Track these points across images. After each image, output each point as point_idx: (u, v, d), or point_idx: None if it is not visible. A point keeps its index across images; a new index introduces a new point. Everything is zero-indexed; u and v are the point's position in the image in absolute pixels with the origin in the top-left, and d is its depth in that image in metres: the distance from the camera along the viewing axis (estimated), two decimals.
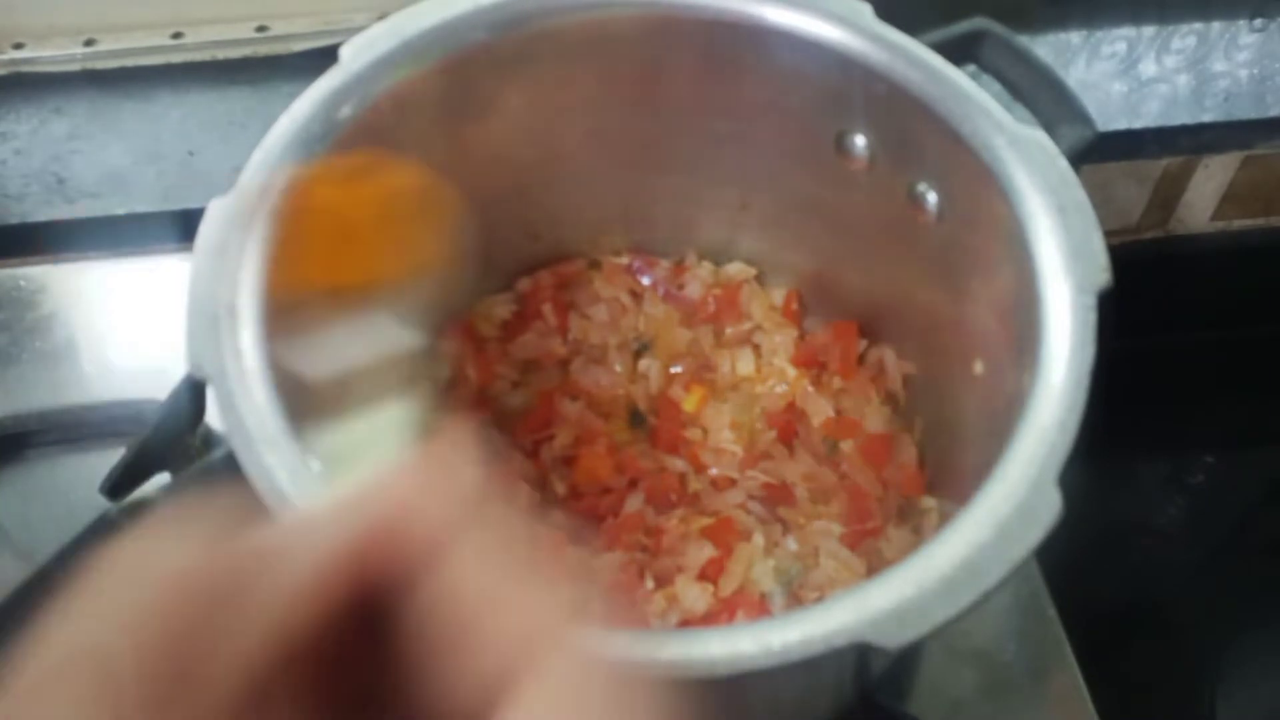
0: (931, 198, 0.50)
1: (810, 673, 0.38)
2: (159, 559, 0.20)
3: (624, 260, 0.64)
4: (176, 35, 0.74)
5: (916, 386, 0.59)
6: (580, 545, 0.55)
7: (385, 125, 0.48)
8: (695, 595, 0.53)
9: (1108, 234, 0.43)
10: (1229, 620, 0.82)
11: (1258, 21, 0.79)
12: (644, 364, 0.61)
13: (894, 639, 0.35)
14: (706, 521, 0.56)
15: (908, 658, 0.59)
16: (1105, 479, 0.85)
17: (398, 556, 0.20)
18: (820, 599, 0.47)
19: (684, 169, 0.59)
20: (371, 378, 0.34)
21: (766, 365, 0.62)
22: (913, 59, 0.47)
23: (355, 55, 0.47)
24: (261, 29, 0.74)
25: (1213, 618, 0.83)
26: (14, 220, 0.72)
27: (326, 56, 0.46)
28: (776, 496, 0.57)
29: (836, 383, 0.60)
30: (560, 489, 0.57)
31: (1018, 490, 0.38)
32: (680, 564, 0.54)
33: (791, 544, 0.56)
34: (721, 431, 0.59)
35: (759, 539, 0.55)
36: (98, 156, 0.74)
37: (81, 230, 0.72)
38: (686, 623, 0.52)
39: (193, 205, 0.69)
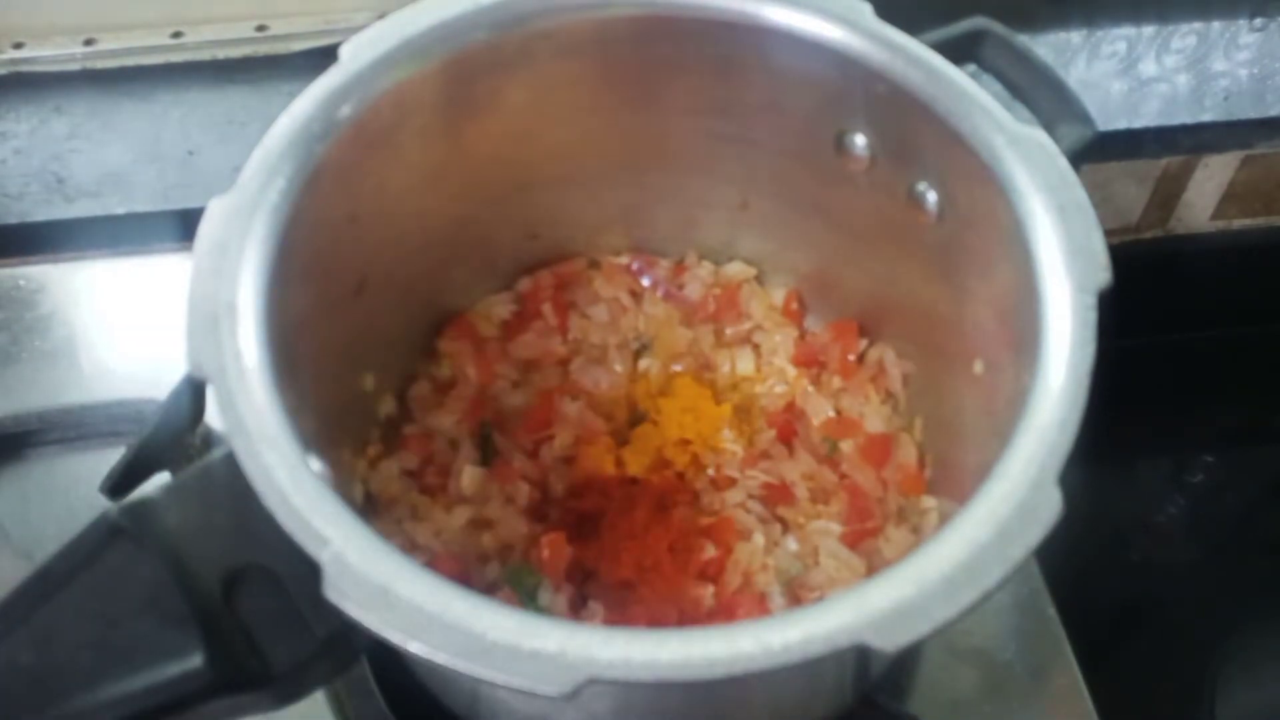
0: (931, 197, 0.50)
1: (810, 672, 0.38)
2: None
3: (624, 260, 0.64)
4: (176, 35, 0.74)
5: (916, 386, 0.59)
6: (580, 545, 0.55)
7: (385, 125, 0.48)
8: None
9: (1108, 233, 0.43)
10: (1229, 620, 0.82)
11: (1258, 21, 0.79)
12: (644, 364, 0.61)
13: (894, 639, 0.35)
14: (707, 521, 0.56)
15: (908, 658, 0.59)
16: (1105, 479, 0.85)
17: None
18: (820, 599, 0.47)
19: (684, 169, 0.59)
20: None
21: (766, 365, 0.62)
22: (913, 58, 0.47)
23: (355, 54, 0.47)
24: (261, 28, 0.74)
25: (1212, 617, 0.83)
26: (13, 220, 0.72)
27: (326, 56, 0.46)
28: (776, 496, 0.57)
29: (836, 382, 0.60)
30: (560, 489, 0.57)
31: (1018, 490, 0.38)
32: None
33: (791, 544, 0.56)
34: (721, 431, 0.60)
35: (759, 539, 0.55)
36: (97, 156, 0.74)
37: (81, 230, 0.72)
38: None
39: (193, 205, 0.69)
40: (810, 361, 0.61)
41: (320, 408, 0.45)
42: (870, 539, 0.55)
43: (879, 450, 0.58)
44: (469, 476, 0.56)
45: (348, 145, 0.46)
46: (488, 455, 0.58)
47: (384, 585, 0.35)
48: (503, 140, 0.54)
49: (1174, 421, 0.93)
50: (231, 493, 0.37)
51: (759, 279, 0.64)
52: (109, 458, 0.42)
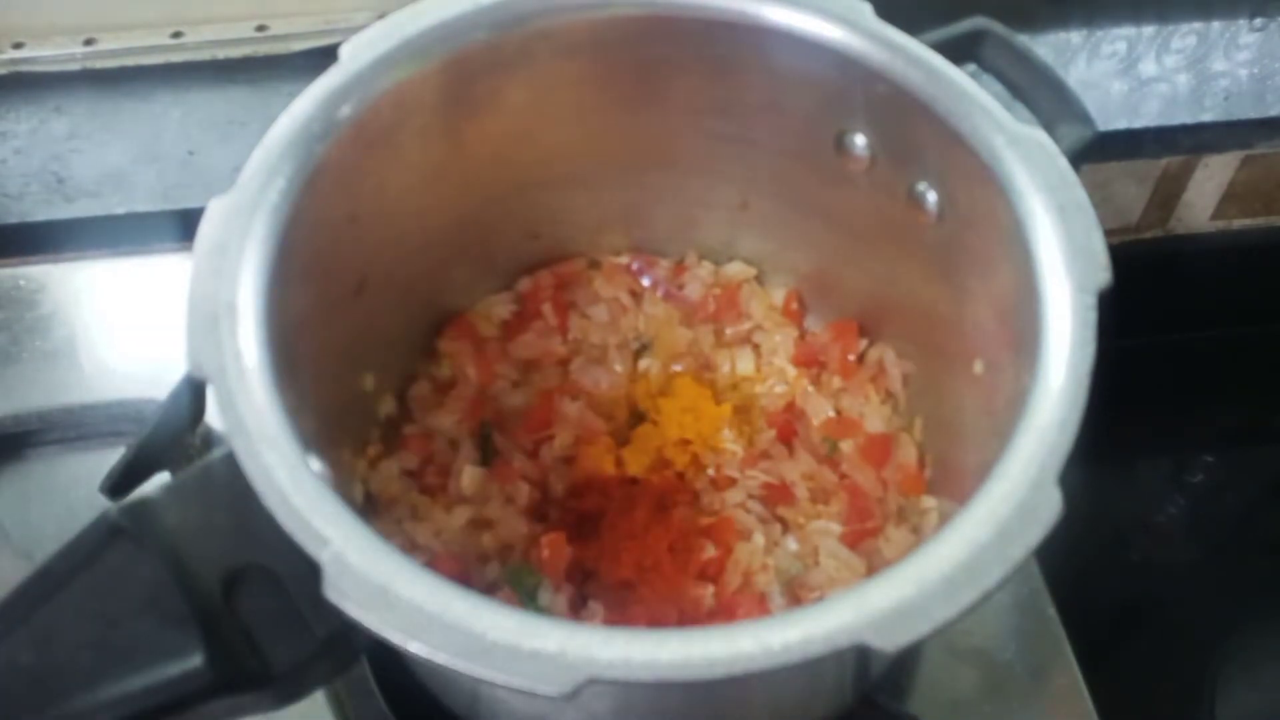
0: (931, 198, 0.50)
1: (810, 672, 0.38)
2: None
3: (624, 260, 0.64)
4: (176, 35, 0.74)
5: (916, 386, 0.59)
6: (580, 545, 0.55)
7: (385, 125, 0.48)
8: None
9: (1108, 233, 0.43)
10: (1228, 619, 0.82)
11: (1258, 21, 0.79)
12: (644, 364, 0.61)
13: (894, 639, 0.35)
14: (707, 521, 0.56)
15: (908, 658, 0.59)
16: (1105, 479, 0.85)
17: None
18: (820, 599, 0.47)
19: (684, 169, 0.59)
20: None
21: (766, 365, 0.62)
22: (913, 58, 0.47)
23: (355, 54, 0.47)
24: (261, 28, 0.74)
25: (1212, 617, 0.83)
26: (14, 220, 0.72)
27: (326, 56, 0.46)
28: (776, 496, 0.57)
29: (836, 382, 0.60)
30: (560, 489, 0.57)
31: (1018, 490, 0.38)
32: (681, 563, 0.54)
33: (791, 544, 0.56)
34: (721, 431, 0.60)
35: (759, 539, 0.55)
36: (97, 156, 0.74)
37: (81, 230, 0.72)
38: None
39: (193, 205, 0.69)
40: (810, 361, 0.61)
41: (320, 408, 0.45)
42: (870, 539, 0.55)
43: (879, 450, 0.58)
44: (469, 476, 0.56)
45: (348, 145, 0.46)
46: (488, 455, 0.58)
47: (384, 585, 0.35)
48: (503, 140, 0.54)
49: (1174, 421, 0.93)
50: (231, 493, 0.37)
51: (759, 279, 0.64)
52: (109, 458, 0.42)
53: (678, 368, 0.61)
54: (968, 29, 0.51)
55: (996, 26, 0.51)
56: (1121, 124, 0.77)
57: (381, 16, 0.49)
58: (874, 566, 0.54)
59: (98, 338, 0.70)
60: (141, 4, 0.73)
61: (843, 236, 0.58)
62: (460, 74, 0.49)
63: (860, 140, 0.52)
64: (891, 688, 0.58)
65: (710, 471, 0.58)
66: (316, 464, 0.38)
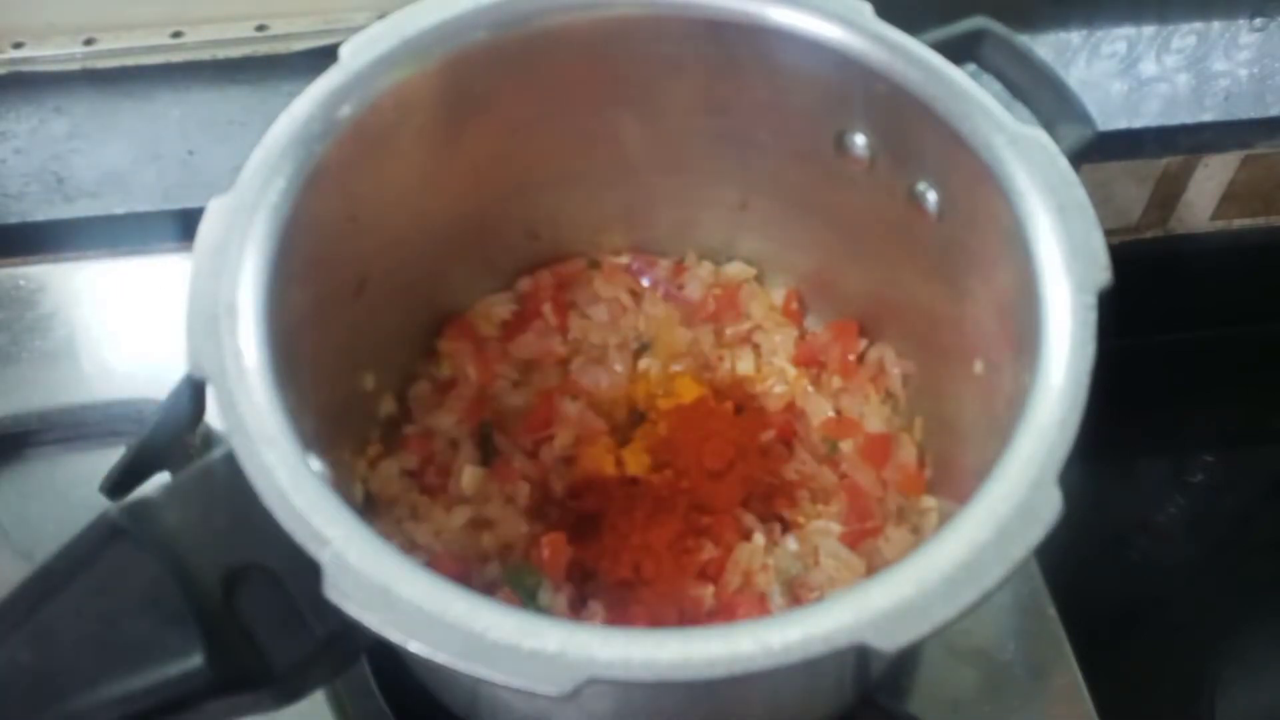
0: (931, 197, 0.50)
1: (810, 672, 0.38)
2: None
3: (624, 260, 0.64)
4: (176, 34, 0.74)
5: (916, 386, 0.59)
6: (580, 545, 0.55)
7: (385, 125, 0.48)
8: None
9: (1108, 233, 0.43)
10: (1228, 619, 0.82)
11: (1258, 21, 0.79)
12: (644, 364, 0.61)
13: (894, 639, 0.35)
14: (707, 521, 0.56)
15: (908, 658, 0.59)
16: (1105, 479, 0.85)
17: None
18: (820, 599, 0.47)
19: (684, 169, 0.59)
20: None
21: (766, 365, 0.62)
22: (913, 58, 0.47)
23: (355, 54, 0.47)
24: (261, 28, 0.74)
25: (1212, 616, 0.83)
26: (14, 220, 0.72)
27: (326, 56, 0.46)
28: (776, 496, 0.57)
29: (836, 382, 0.60)
30: (560, 489, 0.57)
31: (1018, 490, 0.38)
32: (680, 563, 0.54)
33: (791, 544, 0.56)
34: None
35: (759, 539, 0.55)
36: (97, 156, 0.74)
37: (81, 230, 0.72)
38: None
39: (192, 205, 0.69)
40: (810, 361, 0.61)
41: (320, 408, 0.45)
42: (870, 539, 0.55)
43: (879, 450, 0.58)
44: (469, 476, 0.56)
45: (348, 145, 0.46)
46: (488, 455, 0.58)
47: (384, 585, 0.35)
48: (503, 140, 0.54)
49: (1174, 421, 0.93)
50: (231, 493, 0.37)
51: (759, 279, 0.64)
52: (109, 458, 0.42)
53: (678, 368, 0.61)
54: (968, 29, 0.51)
55: (996, 26, 0.51)
56: (1121, 124, 0.77)
57: (381, 16, 0.49)
58: (874, 566, 0.54)
59: (98, 338, 0.70)
60: (141, 4, 0.73)
61: (843, 236, 0.58)
62: (460, 74, 0.49)
63: (860, 140, 0.52)
64: (891, 688, 0.58)
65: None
66: (316, 464, 0.38)
